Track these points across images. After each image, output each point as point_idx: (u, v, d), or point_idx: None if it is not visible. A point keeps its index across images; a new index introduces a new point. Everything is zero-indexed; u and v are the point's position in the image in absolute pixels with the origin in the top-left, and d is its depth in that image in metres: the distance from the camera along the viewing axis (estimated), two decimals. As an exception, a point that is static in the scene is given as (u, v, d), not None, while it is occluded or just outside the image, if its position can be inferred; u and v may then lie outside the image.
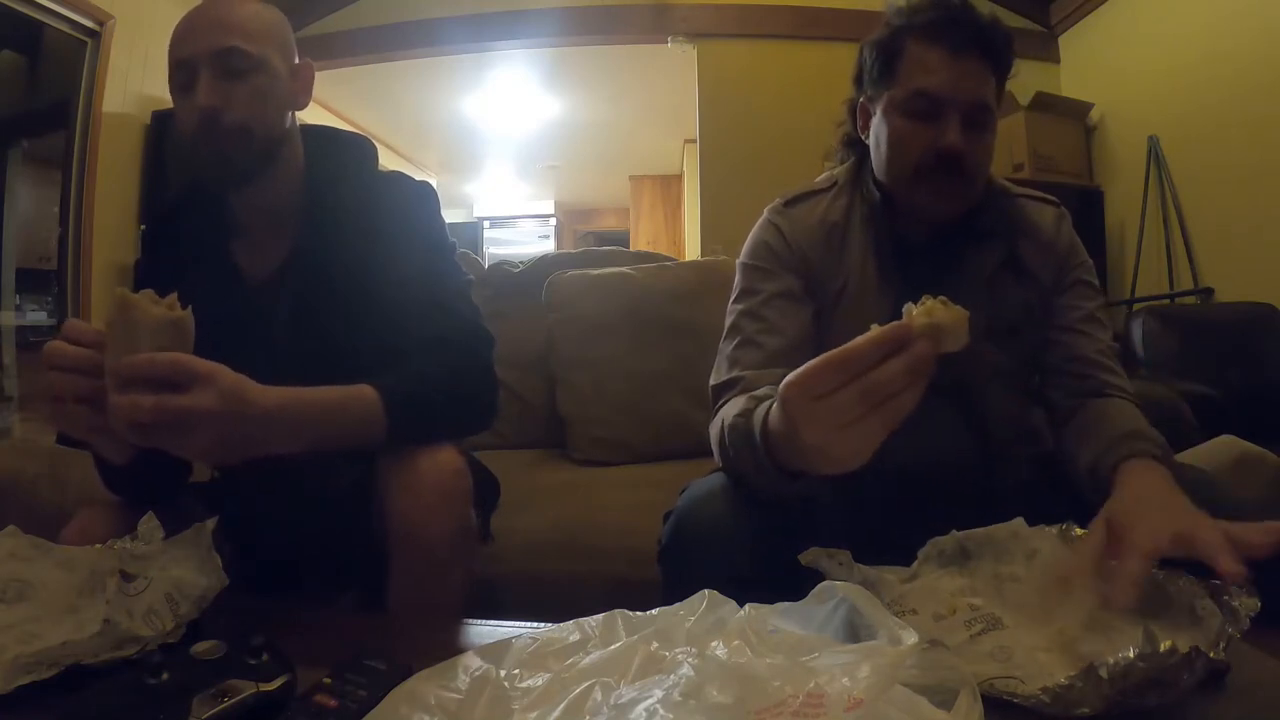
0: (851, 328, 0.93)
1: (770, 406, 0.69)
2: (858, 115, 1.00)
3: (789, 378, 0.58)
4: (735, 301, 0.99)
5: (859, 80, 0.99)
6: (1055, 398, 0.97)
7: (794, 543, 0.64)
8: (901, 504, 0.87)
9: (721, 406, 0.89)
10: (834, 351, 0.55)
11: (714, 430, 0.86)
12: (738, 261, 1.02)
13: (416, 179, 1.03)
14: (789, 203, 1.02)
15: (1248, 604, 0.54)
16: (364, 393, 0.81)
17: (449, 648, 0.56)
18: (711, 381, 0.96)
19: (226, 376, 0.67)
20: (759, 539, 0.79)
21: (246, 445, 0.71)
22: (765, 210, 1.04)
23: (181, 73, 0.88)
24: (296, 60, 0.96)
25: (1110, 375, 0.95)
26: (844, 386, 0.54)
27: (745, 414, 0.76)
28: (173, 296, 0.67)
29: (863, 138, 0.99)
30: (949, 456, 0.95)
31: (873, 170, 0.98)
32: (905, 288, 0.94)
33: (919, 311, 0.57)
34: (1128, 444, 0.80)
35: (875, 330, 0.55)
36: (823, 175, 1.05)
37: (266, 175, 0.93)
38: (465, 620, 0.73)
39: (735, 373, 0.91)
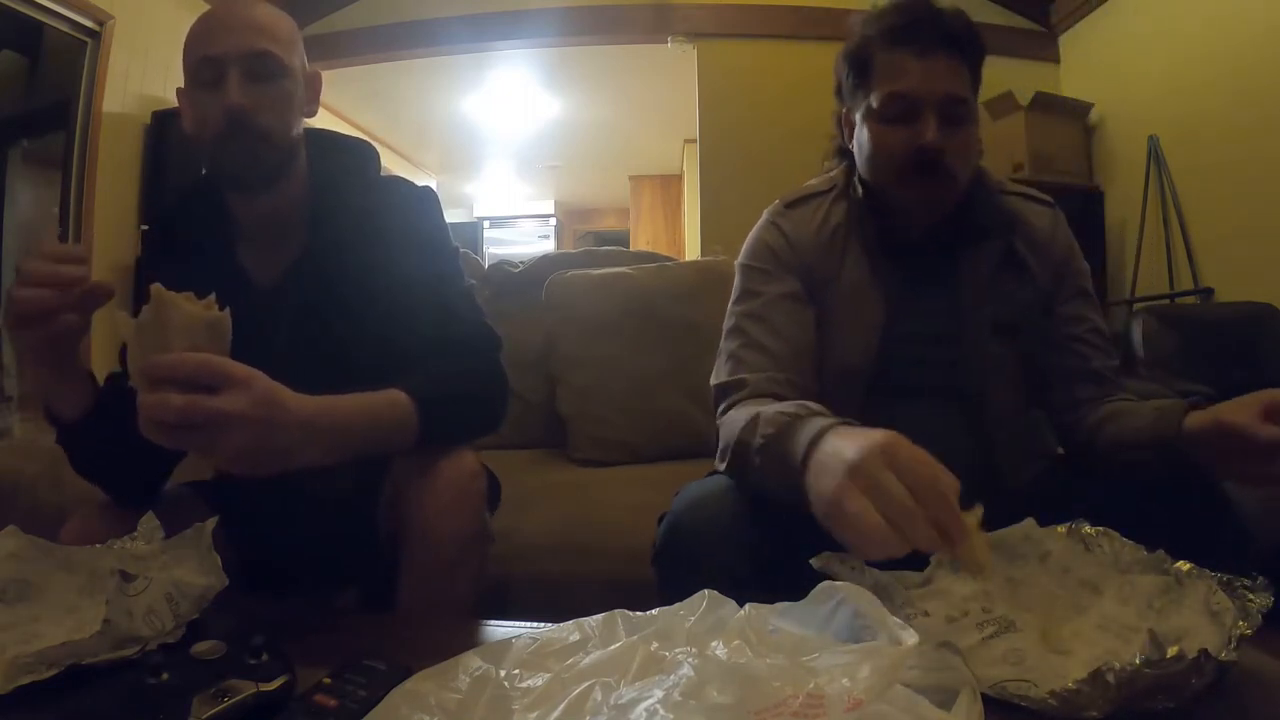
0: (847, 331, 0.96)
1: (816, 431, 0.67)
2: (843, 125, 1.02)
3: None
4: (736, 303, 1.00)
5: (839, 91, 1.01)
6: (1074, 404, 0.97)
7: (795, 545, 0.64)
8: None
9: (728, 408, 0.89)
10: None
11: (728, 431, 0.85)
12: (738, 263, 1.03)
13: (418, 183, 1.03)
14: (790, 205, 1.03)
15: (1261, 600, 0.53)
16: (396, 398, 0.80)
17: (449, 648, 0.56)
18: (714, 380, 0.96)
19: (261, 382, 0.65)
20: (756, 542, 0.78)
21: (279, 455, 0.68)
22: (765, 212, 1.05)
23: (206, 68, 0.88)
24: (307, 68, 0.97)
25: (1122, 391, 0.97)
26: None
27: (782, 429, 0.73)
28: (210, 297, 0.65)
29: (849, 146, 1.01)
30: (952, 459, 0.91)
31: (860, 175, 0.99)
32: (900, 289, 0.97)
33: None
34: (1179, 400, 0.83)
35: None
36: (820, 177, 1.06)
37: (278, 183, 0.93)
38: (465, 620, 0.73)
39: (740, 374, 0.92)
